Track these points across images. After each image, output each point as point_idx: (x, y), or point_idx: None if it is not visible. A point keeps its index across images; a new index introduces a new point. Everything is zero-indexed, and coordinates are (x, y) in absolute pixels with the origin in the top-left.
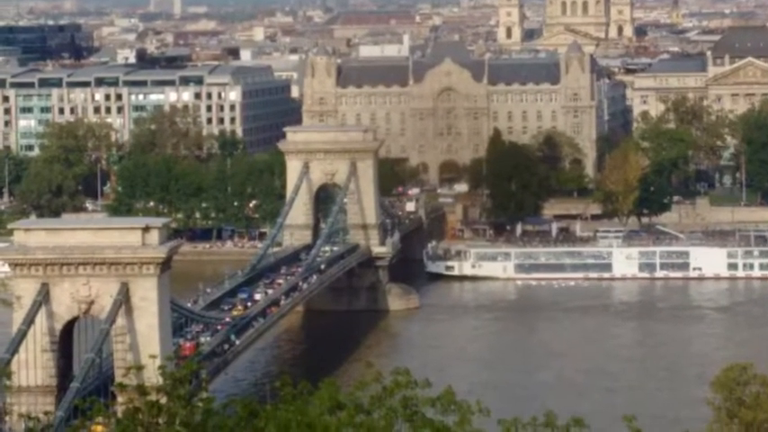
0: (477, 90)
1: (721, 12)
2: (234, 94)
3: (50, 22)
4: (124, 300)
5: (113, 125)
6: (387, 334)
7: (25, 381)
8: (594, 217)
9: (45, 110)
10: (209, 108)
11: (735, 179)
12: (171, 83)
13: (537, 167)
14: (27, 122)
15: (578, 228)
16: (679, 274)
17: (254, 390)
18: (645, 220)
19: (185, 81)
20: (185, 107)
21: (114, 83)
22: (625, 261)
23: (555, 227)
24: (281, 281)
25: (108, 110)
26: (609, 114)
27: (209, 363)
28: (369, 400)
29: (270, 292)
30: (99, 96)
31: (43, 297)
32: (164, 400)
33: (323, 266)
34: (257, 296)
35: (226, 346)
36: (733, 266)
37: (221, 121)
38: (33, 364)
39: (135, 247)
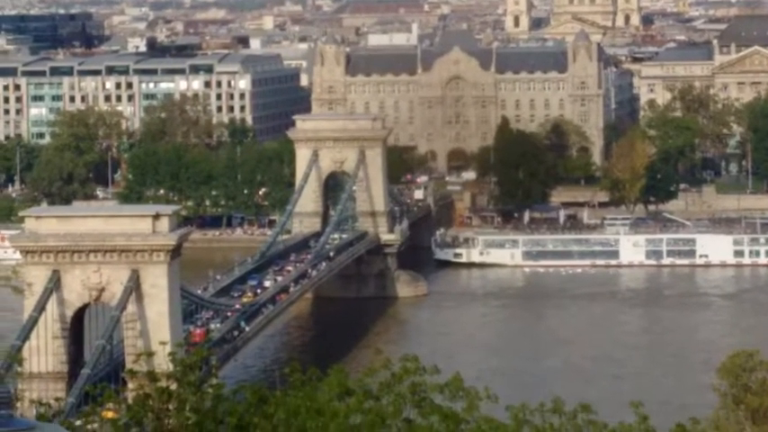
0: (485, 78)
1: (728, 0)
2: (243, 83)
3: (61, 11)
4: (135, 287)
5: (124, 113)
6: (395, 321)
7: (36, 367)
8: (602, 204)
9: (56, 98)
10: (218, 96)
11: (741, 167)
12: (181, 71)
13: (544, 155)
14: (38, 111)
15: (585, 215)
16: (685, 262)
17: (263, 376)
18: (652, 207)
19: (195, 69)
20: (195, 95)
21: (125, 71)
22: (632, 248)
23: (562, 214)
24: (290, 268)
25: (119, 98)
26: (616, 103)
27: (219, 349)
28: (377, 386)
29: (279, 279)
30: (110, 85)
31: (54, 284)
32: (174, 387)
33: (332, 254)
34: (267, 283)
35: (235, 333)
36: (739, 254)
37: (231, 109)
38: (44, 351)
39: (145, 234)
